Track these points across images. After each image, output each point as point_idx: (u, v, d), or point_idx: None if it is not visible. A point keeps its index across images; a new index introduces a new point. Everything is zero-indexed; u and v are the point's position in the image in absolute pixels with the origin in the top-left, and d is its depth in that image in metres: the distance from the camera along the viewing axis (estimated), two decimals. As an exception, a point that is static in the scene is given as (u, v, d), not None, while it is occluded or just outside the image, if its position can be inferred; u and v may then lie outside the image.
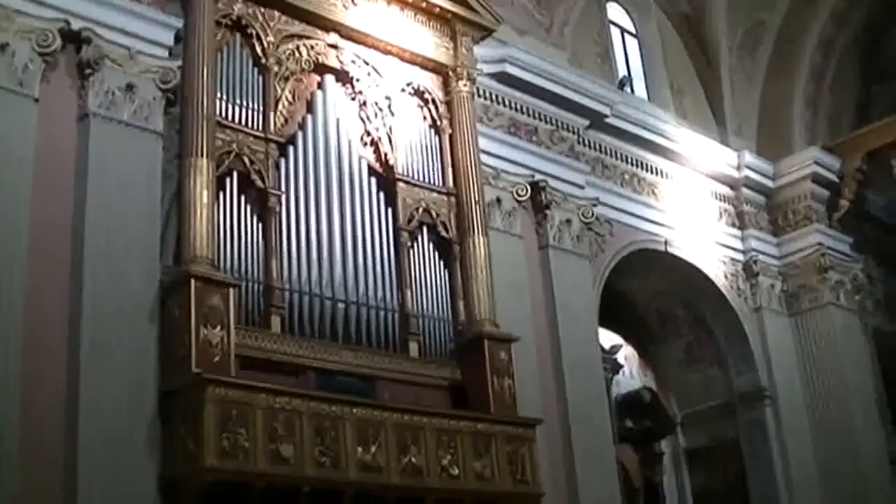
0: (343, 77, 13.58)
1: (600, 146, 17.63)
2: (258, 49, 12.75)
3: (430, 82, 14.45)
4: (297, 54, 13.10)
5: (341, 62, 13.54)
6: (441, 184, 14.02)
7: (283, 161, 12.50)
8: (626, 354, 19.89)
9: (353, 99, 13.64)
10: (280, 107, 12.67)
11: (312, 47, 13.28)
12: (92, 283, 10.64)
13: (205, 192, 11.34)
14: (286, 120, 12.75)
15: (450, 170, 14.15)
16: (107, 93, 11.44)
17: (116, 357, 10.51)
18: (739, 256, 19.65)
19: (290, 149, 12.67)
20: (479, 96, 15.19)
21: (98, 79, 11.42)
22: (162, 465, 10.52)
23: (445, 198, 13.97)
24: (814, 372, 19.62)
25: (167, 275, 11.19)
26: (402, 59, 14.18)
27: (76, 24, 11.38)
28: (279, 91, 12.73)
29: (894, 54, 22.44)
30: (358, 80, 13.63)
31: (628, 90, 19.23)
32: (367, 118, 13.62)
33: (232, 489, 10.31)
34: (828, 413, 19.25)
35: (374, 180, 13.34)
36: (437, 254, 13.72)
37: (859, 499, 18.69)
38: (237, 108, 12.27)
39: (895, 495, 19.39)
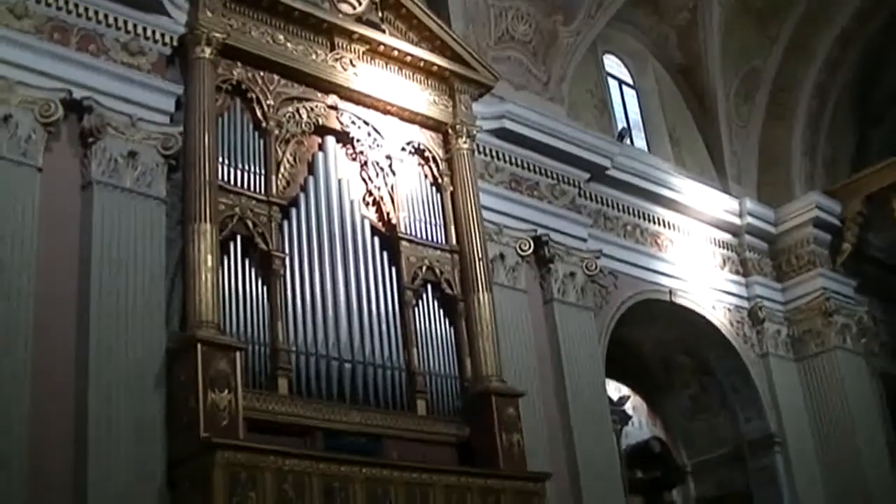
0: (343, 138, 13.66)
1: (602, 198, 17.67)
2: (258, 112, 12.82)
3: (430, 140, 14.52)
4: (297, 116, 13.16)
5: (341, 123, 13.62)
6: (444, 241, 14.05)
7: (286, 223, 12.55)
8: (634, 405, 19.85)
9: (354, 159, 13.71)
10: (282, 169, 12.73)
11: (312, 109, 13.34)
12: (98, 350, 10.65)
13: (209, 257, 11.38)
14: (288, 182, 12.81)
15: (452, 227, 14.18)
16: (109, 160, 11.50)
17: (124, 423, 10.50)
18: (744, 303, 19.64)
19: (293, 211, 12.71)
20: (479, 153, 15.25)
21: (100, 147, 11.49)
22: (173, 531, 10.50)
23: (449, 255, 14.00)
24: (823, 417, 19.53)
25: (173, 340, 11.20)
26: (401, 118, 14.26)
27: (78, 94, 11.48)
28: (280, 153, 12.80)
29: (888, 97, 22.59)
30: (358, 140, 13.70)
31: (627, 142, 19.29)
32: (369, 178, 13.68)
33: (243, 553, 10.30)
34: (838, 458, 19.14)
35: (377, 240, 13.38)
36: (441, 311, 13.73)
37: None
38: (239, 172, 12.33)
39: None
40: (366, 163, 13.71)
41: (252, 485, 10.42)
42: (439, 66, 14.60)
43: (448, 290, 13.82)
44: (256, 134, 12.77)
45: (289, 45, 13.29)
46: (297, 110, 13.21)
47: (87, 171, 11.42)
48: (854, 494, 18.85)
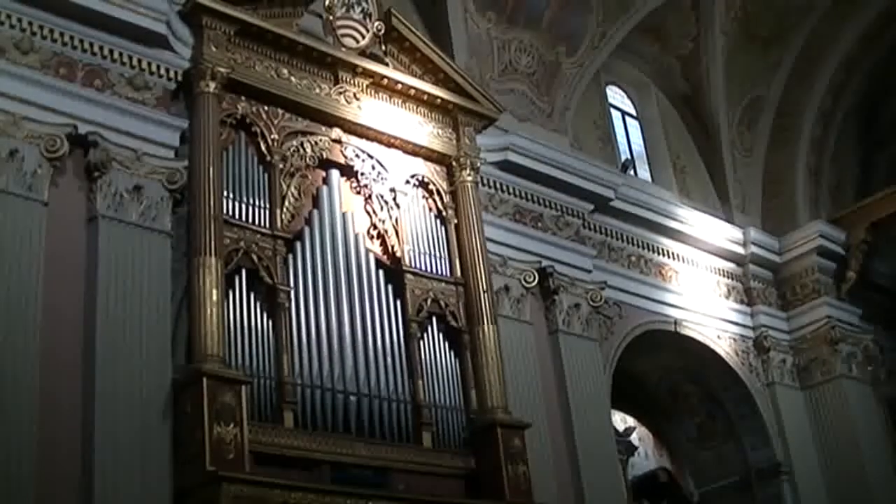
0: (348, 171, 13.69)
1: (606, 230, 17.69)
2: (263, 146, 12.87)
3: (434, 173, 14.57)
4: (301, 150, 13.20)
5: (346, 157, 13.66)
6: (449, 273, 14.07)
7: (290, 257, 12.57)
8: (640, 435, 19.86)
9: (359, 193, 13.74)
10: (286, 203, 12.77)
11: (317, 143, 13.39)
12: (103, 383, 10.66)
13: (214, 291, 11.40)
14: (293, 216, 12.84)
15: (457, 259, 14.20)
16: (115, 195, 11.54)
17: (130, 456, 10.50)
18: (749, 333, 19.63)
19: (298, 244, 12.74)
20: (483, 185, 15.30)
21: (106, 181, 11.53)
22: (178, 565, 10.50)
23: (454, 287, 14.02)
24: (829, 445, 19.48)
25: (179, 373, 11.21)
26: (405, 151, 14.30)
27: (83, 129, 11.52)
28: (285, 187, 12.84)
29: (893, 122, 22.59)
30: (363, 173, 13.74)
31: (631, 172, 19.33)
32: (373, 211, 13.72)
33: (249, 588, 10.30)
34: (845, 486, 19.08)
35: (381, 273, 13.40)
36: (447, 343, 13.73)
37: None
38: (244, 206, 12.37)
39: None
40: (370, 196, 13.75)
41: (259, 518, 10.43)
42: (443, 99, 14.65)
43: (453, 323, 13.83)
44: (261, 168, 12.80)
45: (293, 79, 13.34)
46: (302, 144, 13.25)
47: (92, 206, 11.45)
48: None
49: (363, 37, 14.16)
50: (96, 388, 10.63)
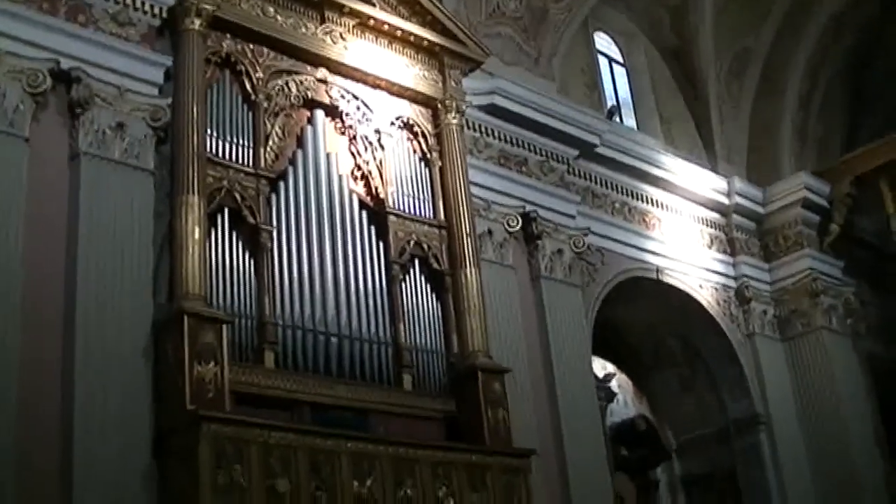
0: (333, 112, 13.61)
1: (590, 176, 17.67)
2: (248, 85, 12.76)
3: (419, 115, 14.47)
4: (286, 90, 13.11)
5: (331, 97, 13.57)
6: (432, 216, 14.03)
7: (274, 197, 12.50)
8: (620, 382, 19.91)
9: (343, 133, 13.66)
10: (270, 143, 12.67)
11: (302, 83, 13.29)
12: (85, 321, 10.63)
13: (196, 230, 11.33)
14: (277, 156, 12.75)
15: (440, 202, 14.15)
16: (97, 132, 11.43)
17: (111, 396, 10.48)
18: (731, 283, 19.68)
19: (281, 184, 12.67)
20: (468, 128, 15.23)
21: (88, 118, 11.42)
22: (158, 503, 10.49)
23: (437, 230, 13.98)
24: (808, 397, 19.59)
25: (160, 313, 11.18)
26: (391, 92, 14.20)
27: (66, 64, 11.39)
28: (269, 127, 12.74)
29: (880, 80, 22.54)
30: (347, 114, 13.66)
31: (617, 120, 19.30)
32: (358, 152, 13.63)
33: (228, 526, 10.31)
34: (824, 438, 19.21)
35: (365, 214, 13.35)
36: (429, 286, 13.70)
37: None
38: (227, 145, 12.27)
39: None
40: (355, 137, 13.67)
41: (238, 458, 10.40)
42: (430, 41, 14.54)
43: (435, 266, 13.80)
44: (245, 107, 12.70)
45: (279, 17, 13.21)
46: (287, 83, 13.15)
47: (74, 143, 11.35)
48: (839, 474, 18.94)
49: (350, -24, 14.05)
50: (77, 326, 10.59)
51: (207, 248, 11.53)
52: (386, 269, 13.25)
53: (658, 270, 18.22)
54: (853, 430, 19.41)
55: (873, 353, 21.26)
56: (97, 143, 11.40)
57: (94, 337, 10.62)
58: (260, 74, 12.88)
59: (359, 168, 13.64)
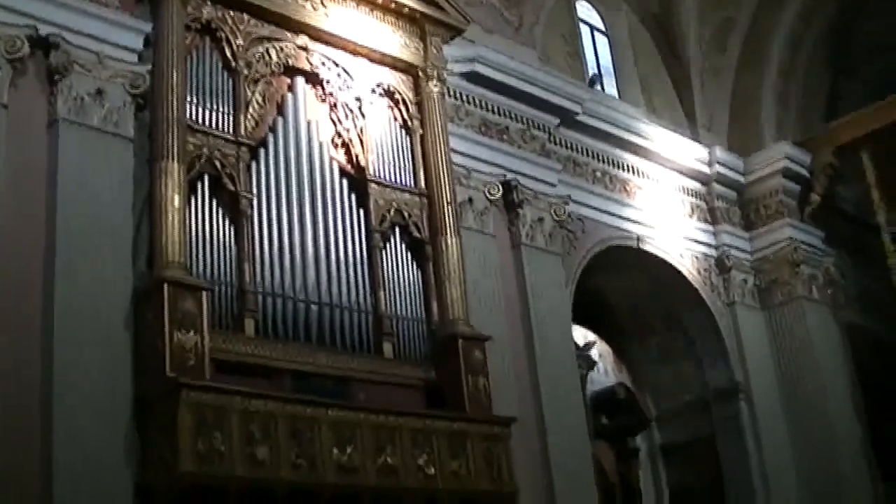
0: (313, 79, 13.55)
1: (571, 144, 17.64)
2: (228, 52, 12.68)
3: (400, 83, 14.42)
4: (266, 57, 13.04)
5: (311, 64, 13.51)
6: (413, 184, 14.00)
7: (254, 164, 12.45)
8: (600, 351, 19.94)
9: (324, 101, 13.61)
10: (250, 110, 12.62)
11: (282, 49, 13.23)
12: (64, 289, 10.58)
13: (176, 197, 11.29)
14: (257, 123, 12.70)
15: (421, 170, 14.12)
16: (76, 98, 11.35)
17: (91, 363, 10.45)
18: (712, 252, 19.71)
19: (262, 152, 12.62)
20: (449, 96, 15.20)
21: (67, 84, 11.34)
22: (138, 470, 10.47)
23: (417, 198, 13.96)
24: (788, 366, 19.67)
25: (140, 280, 11.14)
26: (371, 60, 14.15)
27: (44, 30, 11.29)
28: (249, 94, 12.68)
29: (862, 50, 22.54)
30: (328, 81, 13.60)
31: (598, 88, 19.29)
32: (338, 120, 13.60)
33: (208, 493, 10.29)
34: (803, 407, 19.29)
35: (345, 182, 13.33)
36: (409, 254, 13.70)
37: (835, 493, 18.74)
38: (208, 112, 12.21)
39: (870, 489, 19.51)
40: (335, 104, 13.63)
41: (218, 425, 10.43)
42: (410, 8, 14.47)
43: (416, 234, 13.79)
44: (225, 73, 12.63)
45: (259, -17, 13.16)
46: (267, 50, 13.09)
47: (53, 109, 11.26)
48: (819, 443, 19.04)
49: (332, -59, 13.97)
50: (56, 294, 10.54)
51: (187, 216, 11.50)
52: (366, 237, 13.24)
53: (639, 239, 18.23)
54: (832, 399, 19.50)
55: (853, 323, 21.35)
56: (76, 110, 11.32)
57: (73, 304, 10.57)
58: (240, 41, 12.80)
59: (339, 136, 13.60)
